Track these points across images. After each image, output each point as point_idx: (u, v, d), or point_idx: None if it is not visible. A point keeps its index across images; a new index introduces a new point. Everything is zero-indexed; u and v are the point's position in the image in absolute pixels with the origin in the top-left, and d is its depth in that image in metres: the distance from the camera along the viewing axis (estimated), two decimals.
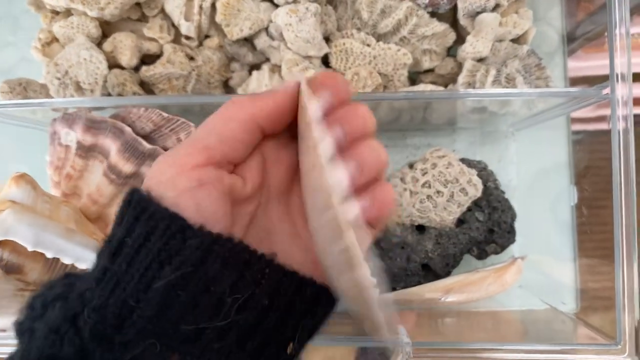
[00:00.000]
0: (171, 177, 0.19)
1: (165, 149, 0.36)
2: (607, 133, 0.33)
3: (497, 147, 0.50)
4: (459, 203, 0.41)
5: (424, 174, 0.41)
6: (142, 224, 0.18)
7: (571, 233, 0.50)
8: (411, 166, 0.43)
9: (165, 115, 0.35)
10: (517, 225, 0.46)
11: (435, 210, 0.41)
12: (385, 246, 0.43)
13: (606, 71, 0.33)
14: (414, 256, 0.42)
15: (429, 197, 0.41)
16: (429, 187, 0.40)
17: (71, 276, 0.20)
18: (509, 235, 0.44)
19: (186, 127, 0.36)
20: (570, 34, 0.49)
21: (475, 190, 0.41)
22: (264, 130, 0.21)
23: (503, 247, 0.44)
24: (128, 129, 0.35)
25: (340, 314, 0.22)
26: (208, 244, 0.18)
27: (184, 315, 0.18)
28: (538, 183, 0.51)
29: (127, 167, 0.35)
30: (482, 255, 0.44)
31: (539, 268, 0.50)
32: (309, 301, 0.20)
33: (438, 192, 0.40)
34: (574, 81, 0.50)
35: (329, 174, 0.17)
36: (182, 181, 0.19)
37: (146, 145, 0.35)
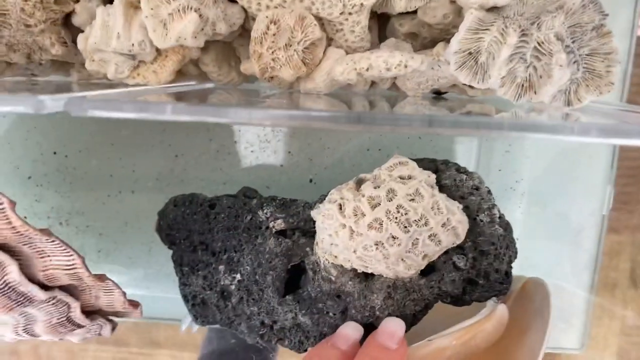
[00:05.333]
0: None
1: None
2: None
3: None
4: (425, 254, 0.26)
5: (374, 206, 0.25)
6: None
7: (594, 260, 0.35)
8: (359, 184, 0.27)
9: None
10: (522, 240, 0.31)
11: (387, 262, 0.26)
12: (314, 293, 0.29)
13: None
14: (353, 312, 0.28)
15: (378, 244, 0.25)
16: (380, 229, 0.25)
17: None
18: (502, 285, 0.29)
19: None
20: None
21: (454, 236, 0.25)
22: None
23: (489, 298, 0.30)
24: None
25: None
26: None
27: None
28: (558, 185, 0.35)
29: None
30: (458, 304, 0.30)
31: None
32: None
33: (393, 237, 0.25)
34: None
35: None
36: None
37: None
